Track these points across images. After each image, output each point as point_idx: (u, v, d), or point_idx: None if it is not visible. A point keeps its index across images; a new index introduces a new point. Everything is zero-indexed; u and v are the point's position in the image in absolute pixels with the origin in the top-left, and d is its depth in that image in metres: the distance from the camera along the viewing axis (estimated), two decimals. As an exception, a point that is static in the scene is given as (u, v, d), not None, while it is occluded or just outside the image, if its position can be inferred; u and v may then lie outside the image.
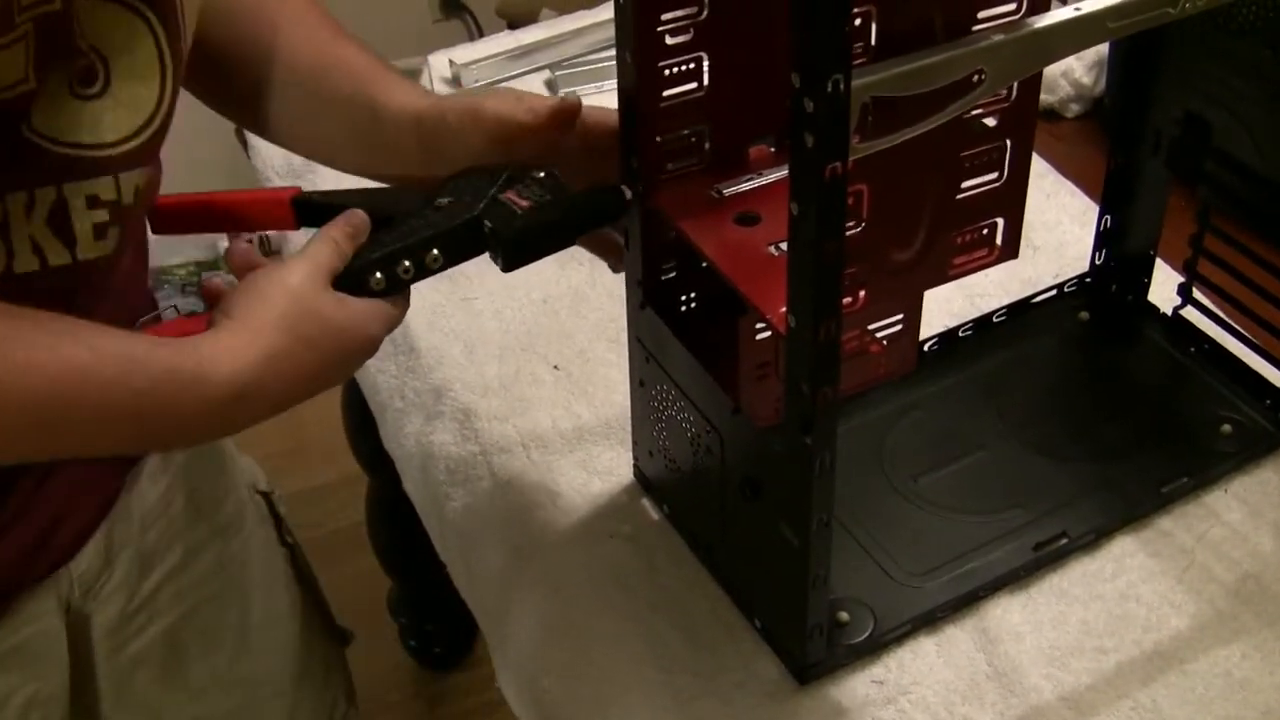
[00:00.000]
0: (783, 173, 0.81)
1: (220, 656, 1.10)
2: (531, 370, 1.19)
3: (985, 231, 0.84)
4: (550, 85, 1.49)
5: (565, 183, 0.89)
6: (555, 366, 1.19)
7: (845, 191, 0.71)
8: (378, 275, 0.84)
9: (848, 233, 0.74)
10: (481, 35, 2.47)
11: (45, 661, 0.97)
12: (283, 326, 0.79)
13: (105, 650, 1.01)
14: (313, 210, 0.90)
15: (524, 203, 0.87)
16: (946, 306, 1.18)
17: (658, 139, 0.88)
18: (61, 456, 0.76)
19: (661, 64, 0.86)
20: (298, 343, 0.79)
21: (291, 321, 0.79)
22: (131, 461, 1.01)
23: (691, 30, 0.85)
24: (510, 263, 0.87)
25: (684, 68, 0.87)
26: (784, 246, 0.76)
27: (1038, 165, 0.83)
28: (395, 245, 0.85)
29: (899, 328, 0.86)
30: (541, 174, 0.89)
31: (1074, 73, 1.45)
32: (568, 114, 0.90)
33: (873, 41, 0.72)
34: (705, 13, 0.85)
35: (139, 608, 1.03)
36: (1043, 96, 1.13)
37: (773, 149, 0.92)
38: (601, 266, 1.28)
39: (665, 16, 0.84)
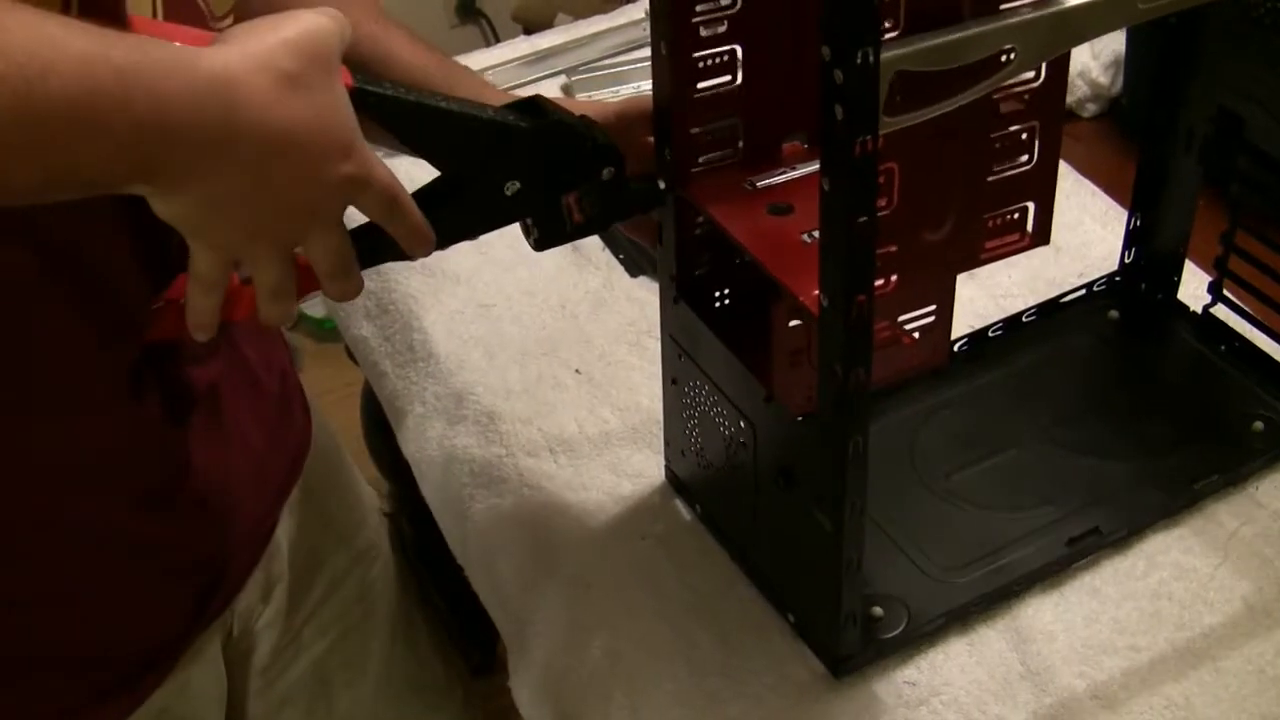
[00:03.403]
0: (815, 167, 0.81)
1: (365, 686, 1.10)
2: (553, 375, 1.18)
3: (1016, 216, 0.84)
4: (566, 90, 1.49)
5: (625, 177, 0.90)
6: (577, 370, 1.18)
7: (876, 166, 0.71)
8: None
9: (879, 213, 0.73)
10: (498, 40, 2.49)
11: (205, 700, 0.97)
12: (280, 49, 0.69)
13: (256, 688, 1.02)
14: (368, 102, 0.80)
15: (577, 216, 0.90)
16: (971, 307, 1.18)
17: (692, 131, 0.88)
18: (43, 162, 0.63)
19: (695, 56, 0.86)
20: (294, 74, 0.69)
21: (298, 51, 0.70)
22: (284, 491, 1.01)
23: (725, 23, 0.85)
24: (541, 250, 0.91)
25: (718, 60, 0.87)
26: (816, 235, 0.76)
27: (1057, 165, 0.84)
28: (458, 233, 0.86)
29: (931, 319, 0.86)
30: (608, 173, 0.89)
31: (1090, 72, 1.44)
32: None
33: (903, 16, 0.72)
34: (739, 5, 0.85)
35: (288, 643, 1.03)
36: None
37: (806, 146, 0.92)
38: (619, 270, 1.28)
39: (699, 8, 0.84)
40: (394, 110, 0.81)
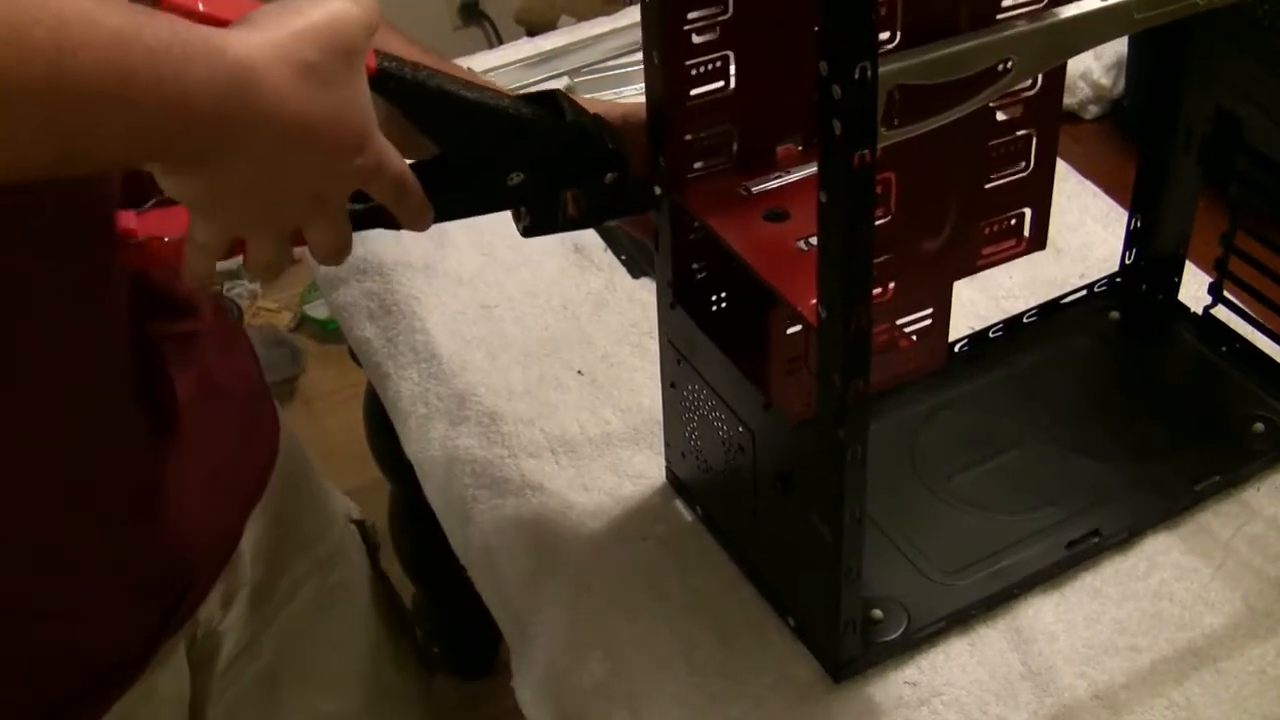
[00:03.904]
0: (811, 170, 0.81)
1: (320, 692, 1.10)
2: (555, 375, 1.19)
3: (1013, 222, 0.84)
4: (569, 92, 1.49)
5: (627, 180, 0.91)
6: (579, 371, 1.19)
7: (874, 179, 0.71)
8: None
9: (876, 222, 0.74)
10: (501, 42, 2.49)
11: (170, 705, 0.97)
12: (305, 38, 0.68)
13: (216, 690, 1.02)
14: (388, 87, 0.79)
15: (573, 212, 0.90)
16: (972, 309, 1.18)
17: (686, 138, 0.88)
18: (65, 138, 0.62)
19: (688, 63, 0.86)
20: (316, 65, 0.68)
21: (322, 41, 0.69)
22: (250, 502, 1.01)
23: (718, 29, 0.85)
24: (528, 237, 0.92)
25: (711, 67, 0.87)
26: (813, 242, 0.76)
27: (1059, 167, 0.83)
28: (453, 213, 0.86)
29: (928, 322, 0.86)
30: (611, 177, 0.90)
31: (1092, 74, 1.44)
32: None
33: (899, 30, 0.72)
34: (730, 11, 0.85)
35: (244, 647, 1.03)
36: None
37: (801, 148, 0.92)
38: (621, 272, 1.29)
39: (691, 15, 0.84)
40: (414, 95, 0.80)
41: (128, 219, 0.78)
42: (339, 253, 0.78)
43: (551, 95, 0.88)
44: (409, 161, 0.80)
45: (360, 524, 1.17)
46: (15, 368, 0.78)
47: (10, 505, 0.81)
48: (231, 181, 0.68)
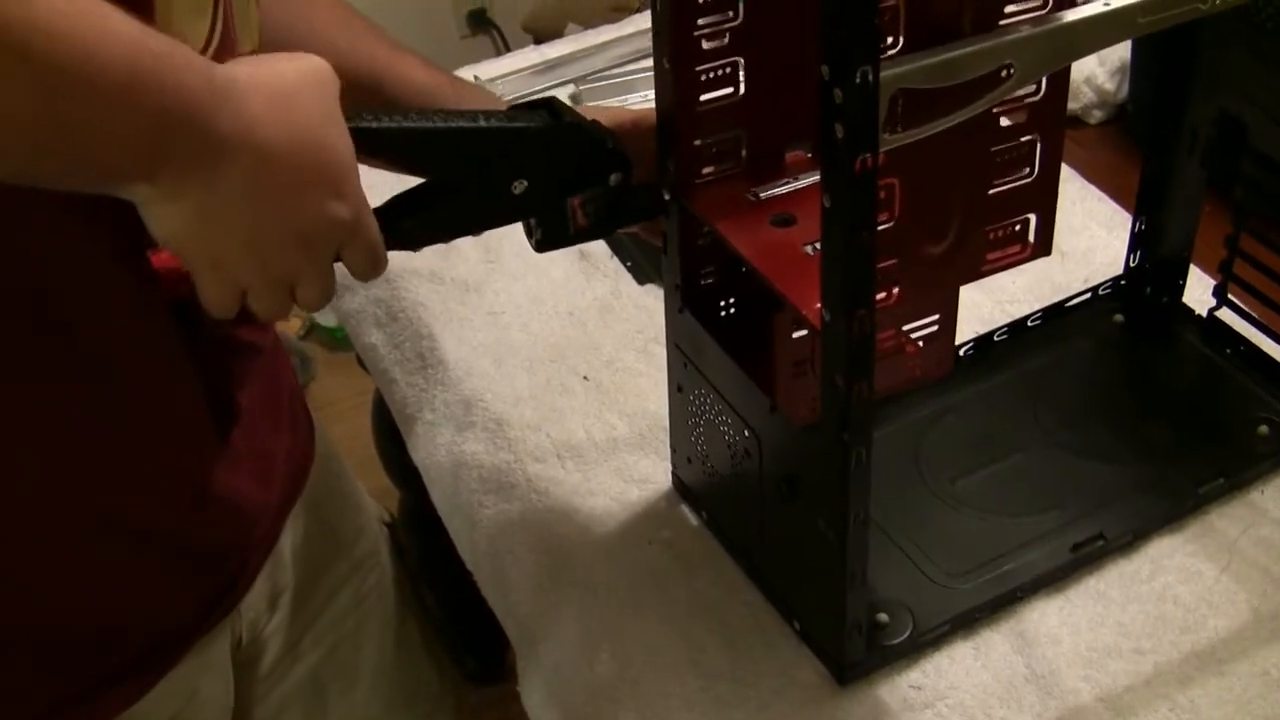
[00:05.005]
0: (819, 176, 0.81)
1: (358, 693, 1.11)
2: (561, 381, 1.19)
3: (1018, 227, 0.84)
4: (575, 99, 1.50)
5: (633, 184, 0.91)
6: (585, 377, 1.19)
7: (876, 183, 0.72)
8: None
9: (880, 227, 0.74)
10: (508, 50, 2.49)
11: (213, 708, 0.98)
12: (292, 75, 0.73)
13: (259, 695, 1.03)
14: (362, 138, 0.80)
15: (582, 220, 0.90)
16: (976, 313, 1.18)
17: (695, 143, 0.89)
18: (73, 138, 0.65)
19: (698, 69, 0.86)
20: (293, 100, 0.73)
21: (300, 82, 0.73)
22: (290, 500, 1.02)
23: (727, 35, 0.86)
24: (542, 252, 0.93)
25: (720, 73, 0.87)
26: (819, 245, 0.76)
27: (1062, 171, 0.84)
28: (463, 228, 0.87)
29: (935, 328, 0.87)
30: (615, 178, 0.90)
31: (1097, 79, 1.44)
32: None
33: (903, 33, 0.72)
34: (740, 18, 0.85)
35: (287, 651, 1.04)
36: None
37: (809, 154, 0.92)
38: (626, 278, 1.29)
39: (701, 22, 0.85)
40: (395, 142, 0.82)
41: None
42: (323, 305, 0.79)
43: (546, 101, 0.89)
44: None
45: (390, 526, 1.18)
46: (76, 359, 0.80)
47: (60, 477, 0.82)
48: (217, 203, 0.70)
